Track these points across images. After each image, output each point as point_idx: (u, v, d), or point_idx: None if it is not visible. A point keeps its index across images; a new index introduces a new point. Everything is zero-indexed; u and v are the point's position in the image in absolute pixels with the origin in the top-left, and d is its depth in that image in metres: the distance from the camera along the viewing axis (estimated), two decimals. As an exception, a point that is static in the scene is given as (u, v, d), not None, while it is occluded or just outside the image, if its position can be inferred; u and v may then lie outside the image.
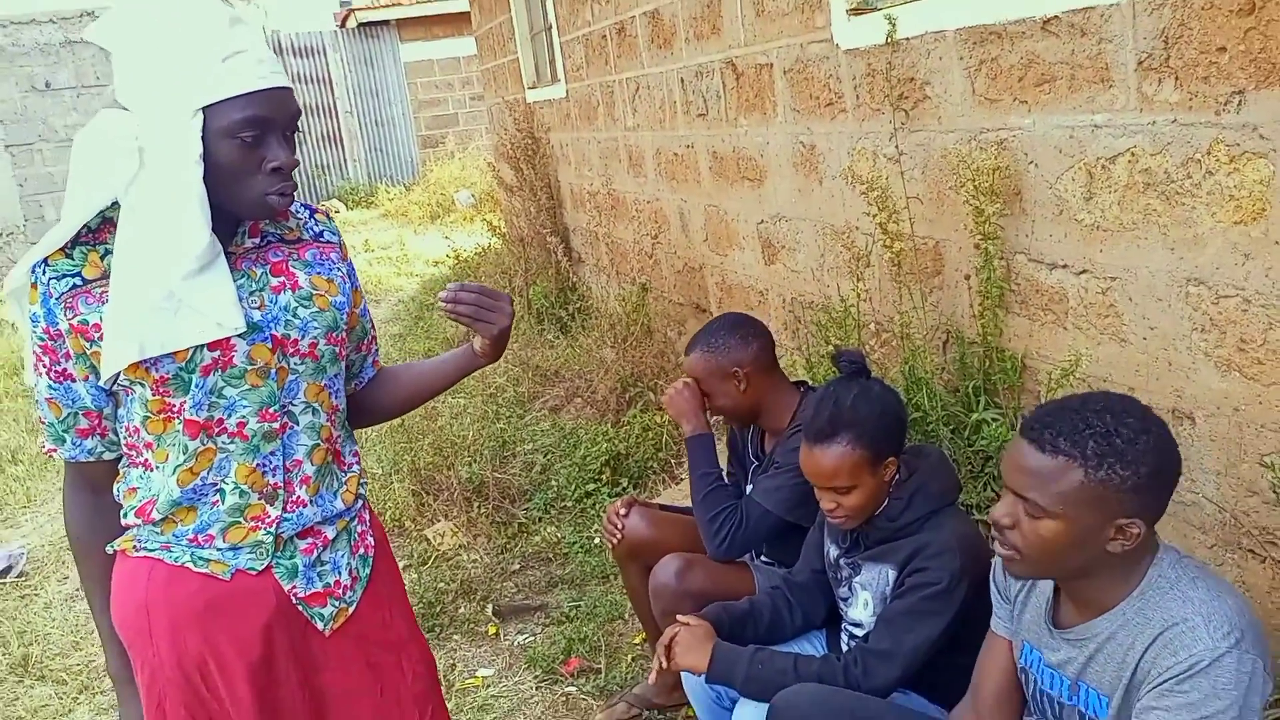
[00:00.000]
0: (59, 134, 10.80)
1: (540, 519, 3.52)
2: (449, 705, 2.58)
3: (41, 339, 1.27)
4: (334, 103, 15.79)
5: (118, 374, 1.25)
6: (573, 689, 2.58)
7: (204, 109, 1.19)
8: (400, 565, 3.32)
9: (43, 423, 1.34)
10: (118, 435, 1.34)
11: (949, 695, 1.67)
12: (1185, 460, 1.93)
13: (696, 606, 2.01)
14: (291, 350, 1.32)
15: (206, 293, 1.24)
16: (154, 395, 1.26)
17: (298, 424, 1.35)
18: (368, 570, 1.46)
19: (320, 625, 1.39)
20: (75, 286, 1.25)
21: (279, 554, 1.35)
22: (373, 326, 1.56)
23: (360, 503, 1.48)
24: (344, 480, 1.44)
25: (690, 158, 4.19)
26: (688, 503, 2.27)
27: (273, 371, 1.31)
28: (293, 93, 1.28)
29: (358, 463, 1.49)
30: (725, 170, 3.84)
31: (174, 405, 1.27)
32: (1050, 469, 1.22)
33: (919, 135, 2.53)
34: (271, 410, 1.31)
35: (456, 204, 12.64)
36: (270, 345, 1.30)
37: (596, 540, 3.30)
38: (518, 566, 3.27)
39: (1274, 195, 1.62)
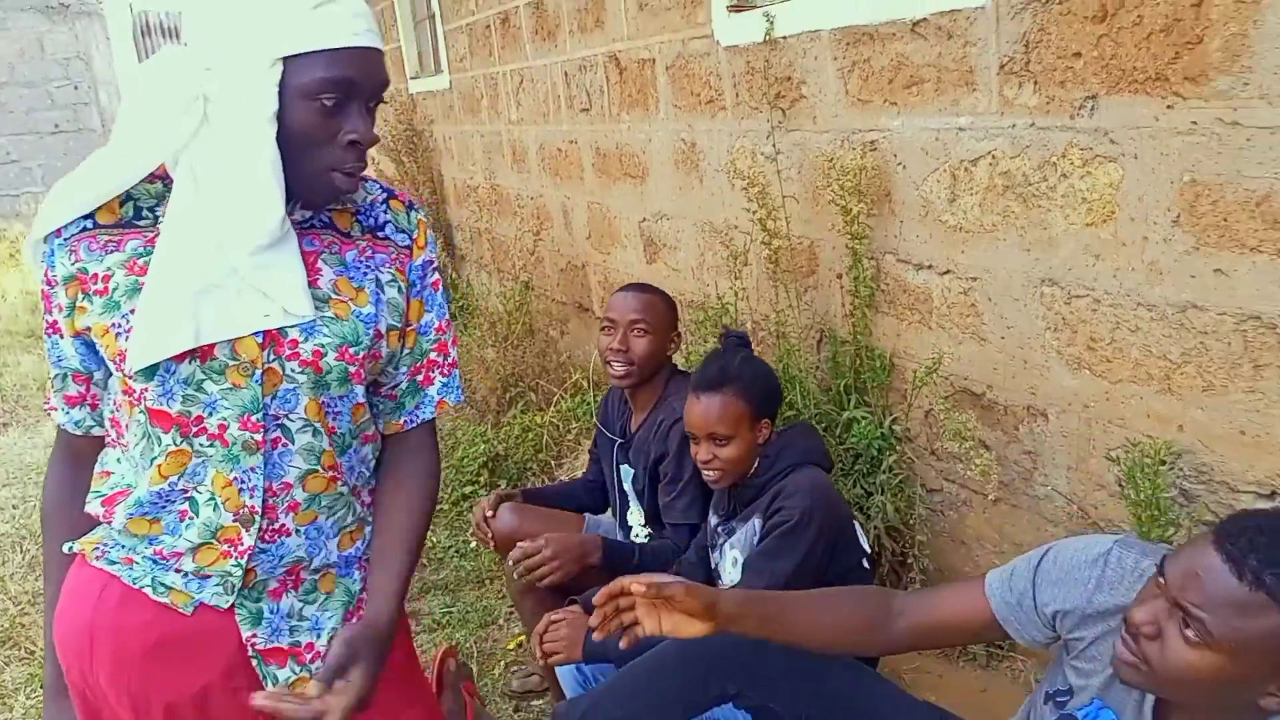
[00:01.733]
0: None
1: (414, 522, 3.40)
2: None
3: (41, 284, 1.12)
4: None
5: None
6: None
7: (284, 60, 1.02)
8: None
9: (49, 376, 1.19)
10: (104, 410, 1.17)
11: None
12: (1038, 456, 2.02)
13: (544, 589, 1.99)
14: (288, 353, 1.10)
15: (274, 272, 1.07)
16: (119, 372, 1.09)
17: (293, 442, 1.13)
18: None
19: (267, 684, 1.16)
20: (85, 230, 1.08)
21: (245, 592, 1.15)
22: (441, 356, 1.25)
23: (361, 557, 1.23)
24: (351, 522, 1.20)
25: (574, 153, 4.13)
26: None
27: (258, 372, 1.09)
28: (384, 57, 1.10)
29: (372, 513, 1.24)
30: (608, 167, 3.81)
31: (134, 390, 1.09)
32: (1241, 601, 0.97)
33: (795, 134, 2.55)
34: (254, 419, 1.10)
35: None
36: (260, 340, 1.09)
37: (473, 544, 3.20)
38: (388, 571, 3.14)
39: (1122, 199, 1.68)
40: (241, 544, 1.12)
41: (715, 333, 2.73)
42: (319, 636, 1.19)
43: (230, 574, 1.13)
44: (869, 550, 1.85)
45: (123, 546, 1.15)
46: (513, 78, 4.63)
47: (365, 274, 1.17)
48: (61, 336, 1.13)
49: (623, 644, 1.32)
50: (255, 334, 1.08)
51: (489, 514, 2.20)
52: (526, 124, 4.62)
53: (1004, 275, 1.96)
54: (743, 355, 1.86)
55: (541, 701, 2.41)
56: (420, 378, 1.24)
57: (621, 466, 2.21)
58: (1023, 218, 1.89)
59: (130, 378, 1.07)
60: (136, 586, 1.14)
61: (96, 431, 1.19)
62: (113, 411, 1.16)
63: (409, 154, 6.29)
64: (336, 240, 1.16)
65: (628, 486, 2.20)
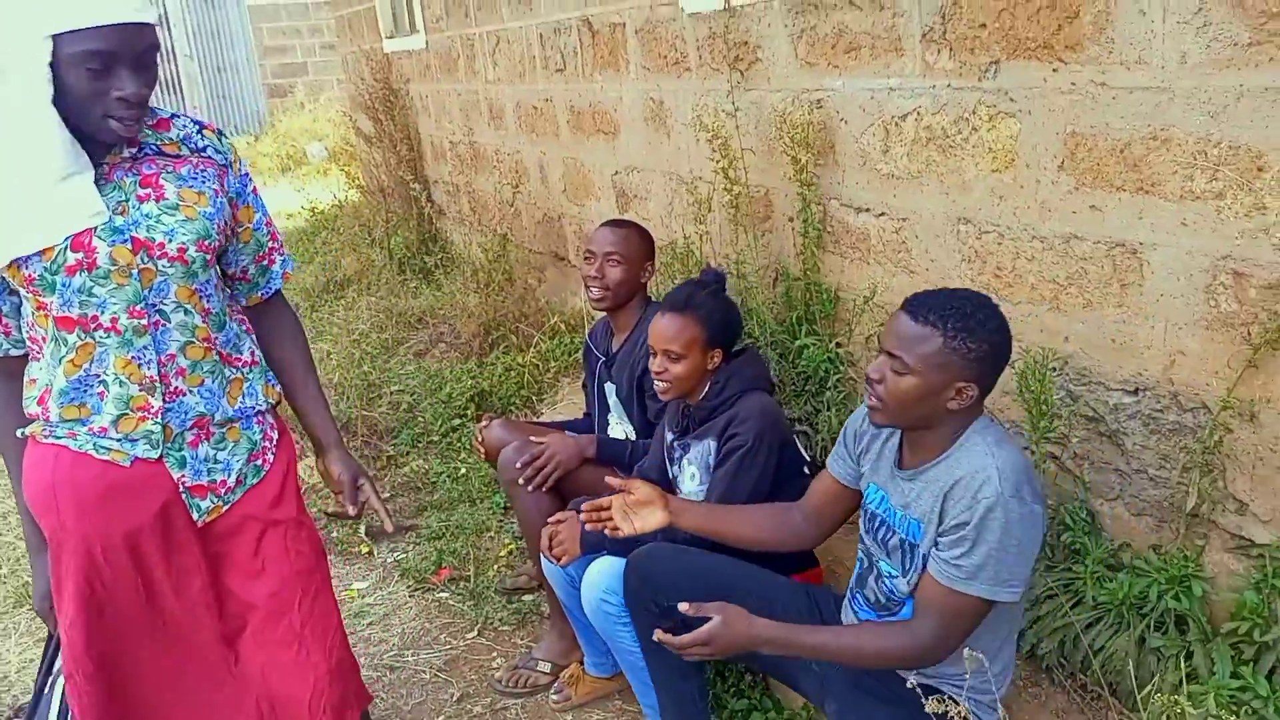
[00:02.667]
0: None
1: (409, 452, 3.71)
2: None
3: None
4: (171, 45, 14.92)
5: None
6: (445, 594, 2.82)
7: (54, 36, 1.28)
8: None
9: None
10: (21, 333, 1.48)
11: (776, 560, 2.02)
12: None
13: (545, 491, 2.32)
14: (158, 254, 1.43)
15: (73, 194, 1.37)
16: (28, 293, 1.40)
17: (169, 321, 1.46)
18: (256, 480, 1.59)
19: (195, 515, 1.52)
20: None
21: (169, 445, 1.49)
22: (274, 242, 1.66)
23: (258, 413, 1.59)
24: (229, 378, 1.55)
25: (549, 111, 4.39)
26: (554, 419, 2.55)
27: (135, 272, 1.41)
28: (151, 27, 1.36)
29: (249, 369, 1.59)
30: (582, 124, 4.07)
31: (46, 304, 1.39)
32: (918, 334, 1.53)
33: (752, 94, 2.85)
34: (138, 308, 1.42)
35: (308, 156, 12.30)
36: (131, 247, 1.40)
37: (463, 470, 3.52)
38: (388, 495, 3.45)
39: (1021, 148, 2.01)
40: (151, 407, 1.47)
41: (685, 272, 3.05)
42: (230, 475, 1.56)
43: (151, 432, 1.48)
44: (810, 459, 2.18)
45: (64, 426, 1.47)
46: (489, 39, 4.86)
47: (202, 183, 1.50)
48: None
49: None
50: (125, 240, 1.40)
51: (483, 424, 2.53)
52: (503, 83, 4.86)
53: (928, 215, 2.29)
54: (712, 289, 2.12)
55: (531, 597, 2.75)
56: (266, 261, 1.66)
57: (605, 384, 2.53)
58: (942, 165, 2.21)
59: (40, 294, 1.38)
60: (82, 451, 1.46)
61: (14, 352, 1.51)
62: (28, 331, 1.47)
63: (386, 112, 6.46)
64: (170, 162, 1.48)
65: (611, 400, 2.52)
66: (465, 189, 5.80)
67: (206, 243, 1.48)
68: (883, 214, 2.44)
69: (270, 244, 1.66)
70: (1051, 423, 2.00)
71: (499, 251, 4.68)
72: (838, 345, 2.62)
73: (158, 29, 1.40)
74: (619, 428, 2.53)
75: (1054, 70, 1.88)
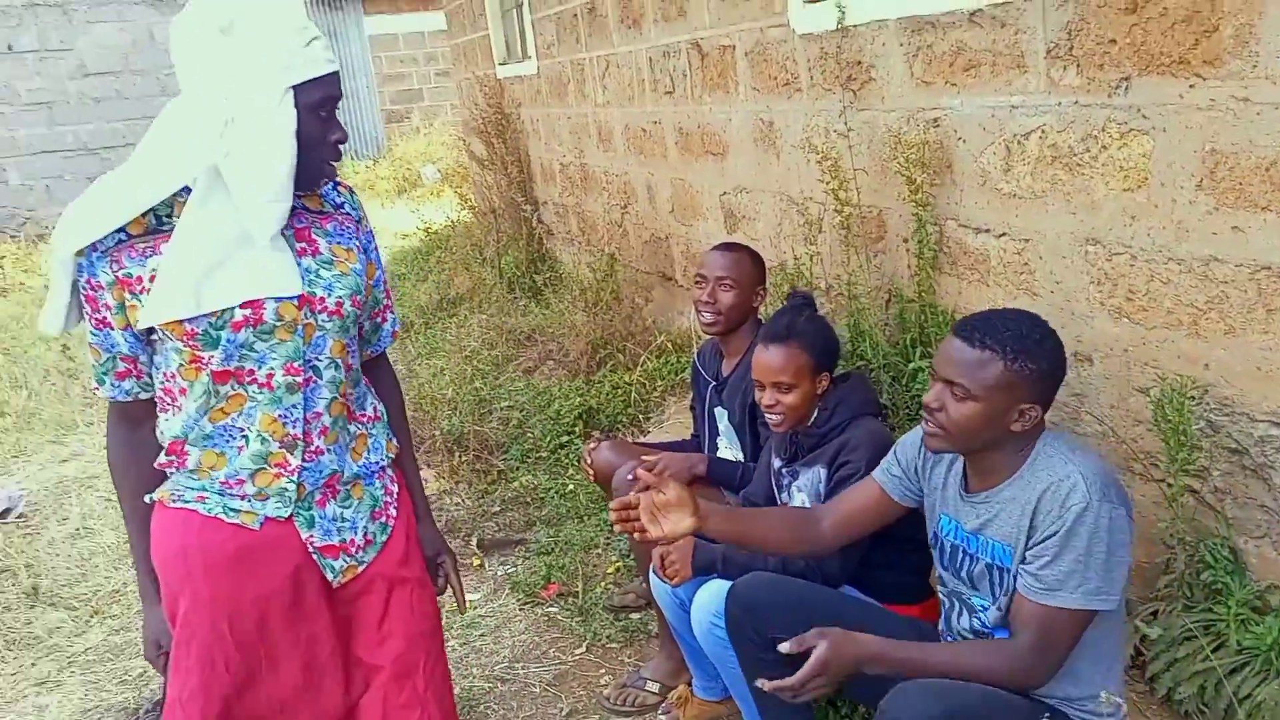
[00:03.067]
0: (21, 97, 10.76)
1: (518, 467, 3.79)
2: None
3: (84, 289, 1.39)
4: (298, 75, 15.70)
5: (152, 326, 1.37)
6: (553, 609, 2.87)
7: (293, 87, 1.34)
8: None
9: (92, 363, 1.48)
10: (153, 379, 1.46)
11: (880, 590, 1.98)
12: (1084, 397, 2.28)
13: None
14: (319, 308, 1.43)
15: (276, 255, 1.39)
16: (185, 347, 1.38)
17: (321, 378, 1.46)
18: (384, 537, 1.57)
19: (330, 576, 1.50)
20: (120, 242, 1.37)
21: (300, 504, 1.46)
22: (388, 299, 1.66)
23: (379, 468, 1.58)
24: (354, 435, 1.54)
25: (658, 133, 4.44)
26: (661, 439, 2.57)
27: (299, 328, 1.42)
28: None
29: (372, 425, 1.58)
30: (690, 145, 4.11)
31: (203, 358, 1.38)
32: (976, 359, 1.51)
33: (865, 114, 2.82)
34: (296, 364, 1.42)
35: (422, 179, 12.75)
36: (297, 303, 1.41)
37: (570, 486, 3.57)
38: (498, 509, 3.53)
39: (1154, 166, 1.93)
40: (289, 465, 1.45)
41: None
42: (356, 533, 1.53)
43: (285, 490, 1.45)
44: None
45: (193, 488, 1.45)
46: (599, 63, 4.95)
47: (348, 239, 1.52)
48: (112, 329, 1.41)
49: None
50: (292, 298, 1.40)
51: (591, 446, 2.56)
52: (612, 106, 4.94)
53: (1053, 236, 2.22)
54: (807, 313, 2.09)
55: (639, 615, 2.77)
56: (380, 319, 1.65)
57: (715, 408, 2.53)
58: (1069, 184, 2.14)
59: (199, 349, 1.37)
60: (211, 515, 1.44)
61: (143, 396, 1.47)
62: (163, 382, 1.44)
63: (498, 135, 6.66)
64: (316, 218, 1.49)
65: (722, 426, 2.52)
66: (574, 209, 5.91)
67: (359, 297, 1.50)
68: (1003, 234, 2.37)
69: (385, 300, 1.66)
70: (1191, 454, 1.91)
71: (607, 271, 4.76)
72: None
73: None
74: (728, 451, 2.52)
75: (1191, 86, 1.80)
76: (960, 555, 1.67)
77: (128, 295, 1.37)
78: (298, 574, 1.48)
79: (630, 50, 4.50)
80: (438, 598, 1.69)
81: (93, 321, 1.42)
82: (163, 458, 1.46)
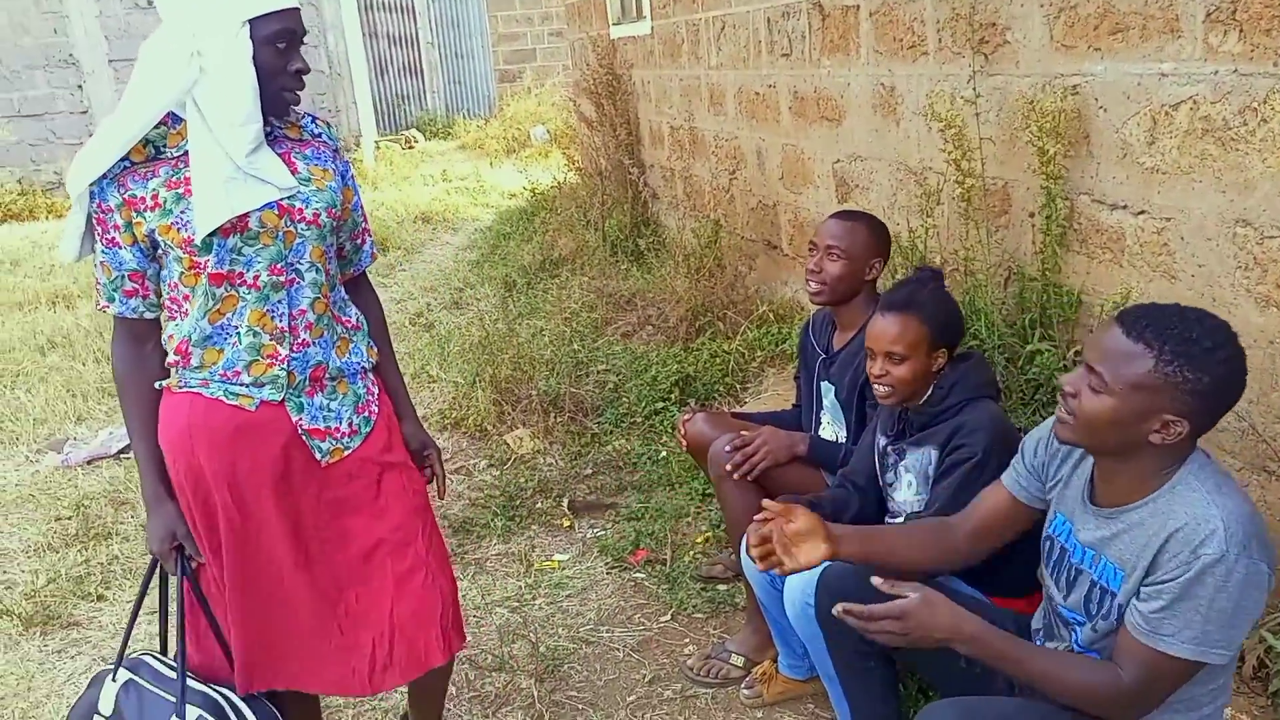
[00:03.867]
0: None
1: (611, 431, 3.79)
2: (528, 581, 2.90)
3: (95, 214, 1.59)
4: (416, 33, 16.01)
5: (153, 237, 1.58)
6: (640, 575, 2.86)
7: (249, 21, 1.52)
8: (481, 465, 3.66)
9: (98, 284, 1.65)
10: (159, 296, 1.66)
11: (985, 579, 1.89)
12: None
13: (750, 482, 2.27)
14: (298, 217, 1.63)
15: (264, 164, 1.59)
16: (184, 254, 1.57)
17: (303, 279, 1.65)
18: (368, 429, 1.76)
19: (318, 456, 1.69)
20: (126, 168, 1.57)
21: (291, 389, 1.66)
22: (365, 222, 1.86)
23: (360, 369, 1.76)
24: (339, 335, 1.73)
25: (771, 97, 4.32)
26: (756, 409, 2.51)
27: (280, 233, 1.61)
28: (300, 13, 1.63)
29: (353, 332, 1.77)
30: (805, 110, 3.98)
31: (200, 263, 1.58)
32: (1126, 351, 1.34)
33: (996, 79, 2.66)
34: (279, 266, 1.62)
35: (531, 139, 12.84)
36: (277, 212, 1.60)
37: (663, 453, 3.55)
38: (590, 471, 3.54)
39: (1323, 143, 1.74)
40: (279, 355, 1.64)
41: (906, 267, 2.91)
42: (342, 422, 1.72)
43: (278, 377, 1.65)
44: None
45: (198, 375, 1.64)
46: (714, 24, 4.84)
47: (325, 162, 1.71)
48: (121, 247, 1.60)
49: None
50: (272, 206, 1.58)
51: (686, 417, 2.52)
52: (726, 68, 4.83)
53: (1198, 216, 2.05)
54: (933, 286, 1.99)
55: (726, 586, 2.73)
56: (359, 241, 1.85)
57: (822, 382, 2.44)
58: (1220, 160, 1.96)
59: (195, 255, 1.56)
60: (214, 398, 1.64)
61: (148, 315, 1.66)
62: (169, 292, 1.63)
63: (608, 97, 6.61)
64: (295, 143, 1.69)
65: (828, 400, 2.43)
66: (680, 174, 5.83)
67: (334, 210, 1.69)
68: (1142, 212, 2.20)
69: (363, 224, 1.85)
70: (1340, 460, 1.74)
71: (711, 237, 4.68)
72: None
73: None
74: (830, 428, 2.44)
75: (1377, 52, 1.62)
76: (1065, 563, 1.56)
77: (134, 214, 1.57)
78: (287, 450, 1.67)
79: (747, 10, 4.38)
80: (427, 485, 1.89)
81: (103, 241, 1.61)
82: (171, 357, 1.66)
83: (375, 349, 1.83)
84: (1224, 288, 2.02)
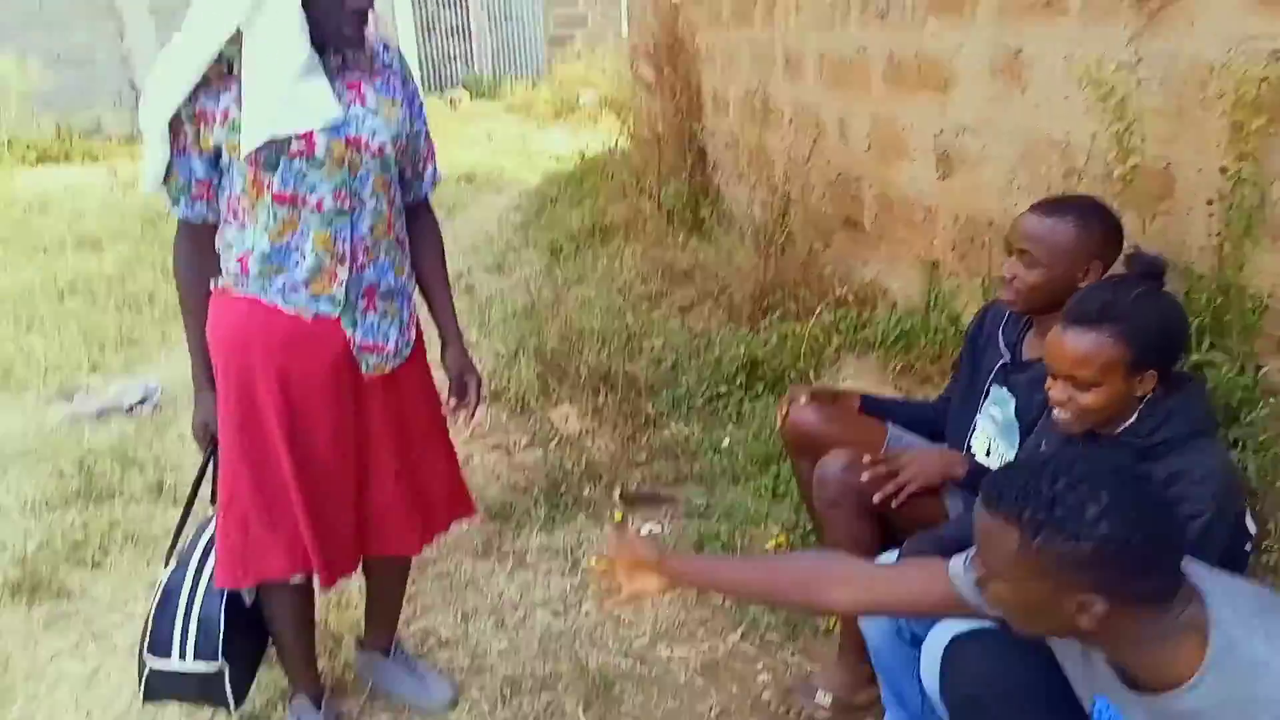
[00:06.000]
0: (198, -3, 11.03)
1: (668, 414, 3.44)
2: (573, 582, 2.57)
3: (170, 123, 1.64)
4: (466, -4, 15.64)
5: (219, 149, 1.64)
6: (704, 584, 2.51)
7: None
8: (522, 442, 3.33)
9: (169, 188, 1.70)
10: (219, 204, 1.71)
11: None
12: None
13: (860, 503, 1.91)
14: (364, 148, 1.68)
15: (312, 91, 1.61)
16: (250, 169, 1.62)
17: (365, 207, 1.71)
18: (408, 350, 1.86)
19: (364, 369, 1.78)
20: (199, 82, 1.60)
21: (345, 309, 1.73)
22: (429, 152, 1.88)
23: (409, 296, 1.85)
24: (398, 260, 1.81)
25: (861, 62, 3.92)
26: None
27: (345, 162, 1.66)
28: None
29: (407, 257, 1.86)
30: (903, 77, 3.58)
31: (264, 180, 1.63)
32: (991, 529, 1.16)
33: (1162, 42, 2.25)
34: (343, 193, 1.67)
35: (580, 103, 12.48)
36: (344, 142, 1.65)
37: (727, 442, 3.20)
38: (644, 458, 3.19)
39: None
40: (338, 277, 1.71)
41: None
42: (388, 341, 1.80)
43: (335, 295, 1.71)
44: (1253, 532, 1.60)
45: (258, 283, 1.69)
46: (800, -20, 4.44)
47: (394, 93, 1.75)
48: (190, 155, 1.66)
49: None
50: (340, 136, 1.64)
51: (802, 400, 2.15)
52: (806, 31, 4.43)
53: None
54: (1142, 290, 1.50)
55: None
56: (422, 166, 1.89)
57: (997, 387, 2.01)
58: None
59: (260, 172, 1.61)
60: (272, 304, 1.69)
61: (210, 220, 1.72)
62: (230, 202, 1.68)
63: (669, 61, 6.24)
64: (366, 74, 1.72)
65: (999, 412, 2.00)
66: (745, 143, 5.44)
67: (401, 142, 1.76)
68: (1364, 204, 1.81)
69: (427, 151, 1.89)
70: None
71: (782, 211, 4.30)
72: (1259, 368, 2.02)
73: None
74: (988, 441, 2.01)
75: None
76: None
77: (203, 127, 1.63)
78: (337, 363, 1.75)
79: (842, -36, 3.97)
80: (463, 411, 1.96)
81: (174, 149, 1.66)
82: (231, 265, 1.70)
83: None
84: None
